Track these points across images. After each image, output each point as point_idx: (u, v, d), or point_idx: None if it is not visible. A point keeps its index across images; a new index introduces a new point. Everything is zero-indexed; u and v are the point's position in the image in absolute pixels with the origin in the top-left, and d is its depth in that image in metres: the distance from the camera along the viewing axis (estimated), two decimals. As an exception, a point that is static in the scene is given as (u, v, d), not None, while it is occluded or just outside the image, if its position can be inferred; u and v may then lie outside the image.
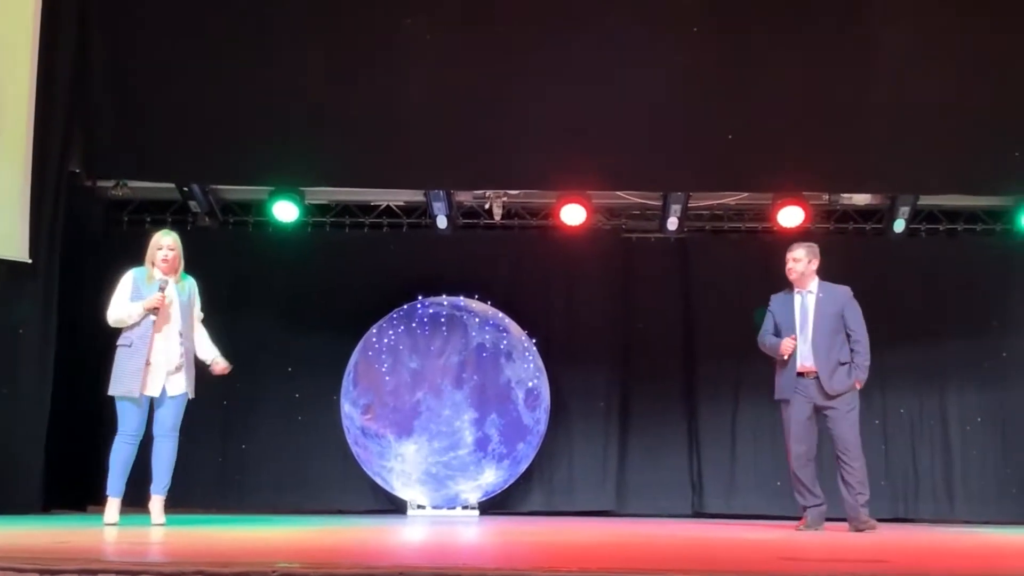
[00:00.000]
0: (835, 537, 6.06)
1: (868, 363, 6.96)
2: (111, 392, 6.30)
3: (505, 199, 9.30)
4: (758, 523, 7.82)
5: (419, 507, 8.51)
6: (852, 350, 6.95)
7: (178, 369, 6.37)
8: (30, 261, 7.70)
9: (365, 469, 8.58)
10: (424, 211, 9.28)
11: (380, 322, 8.67)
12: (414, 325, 8.61)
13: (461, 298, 8.79)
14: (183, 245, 6.54)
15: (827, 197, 9.17)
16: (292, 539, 5.26)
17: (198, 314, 6.61)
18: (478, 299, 8.81)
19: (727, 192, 9.08)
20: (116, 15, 8.20)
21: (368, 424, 8.49)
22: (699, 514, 8.77)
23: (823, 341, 6.95)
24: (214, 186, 9.07)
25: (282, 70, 8.11)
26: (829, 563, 4.31)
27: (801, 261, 7.10)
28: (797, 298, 7.12)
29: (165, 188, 9.01)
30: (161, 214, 9.23)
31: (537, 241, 9.33)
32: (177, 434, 6.41)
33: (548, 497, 8.89)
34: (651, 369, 9.01)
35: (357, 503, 8.74)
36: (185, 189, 8.91)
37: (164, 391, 6.33)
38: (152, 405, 6.37)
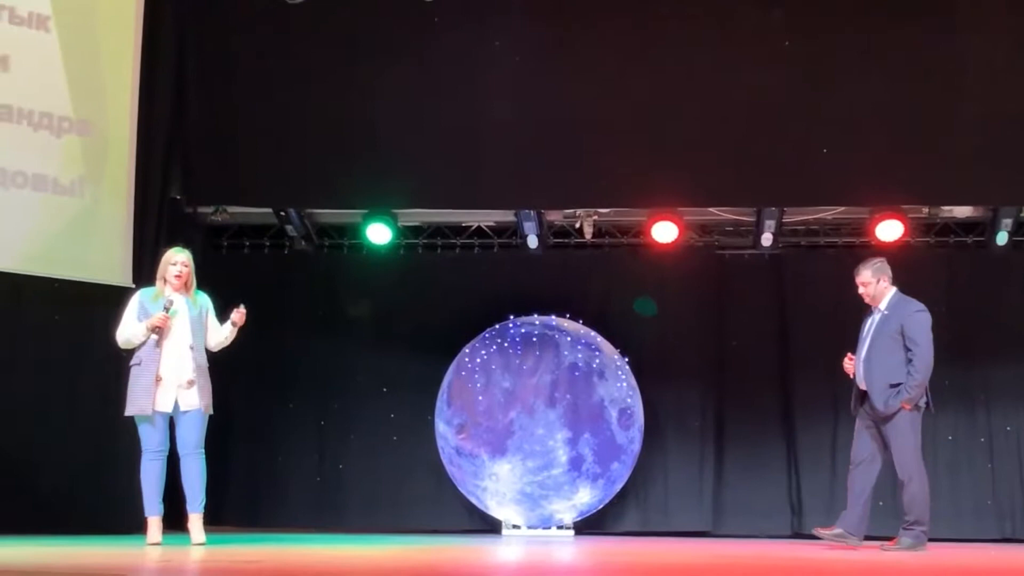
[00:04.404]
0: (935, 556, 5.88)
1: (920, 381, 6.60)
2: (126, 412, 6.29)
3: (596, 217, 9.28)
4: (861, 544, 7.63)
5: (514, 527, 8.51)
6: (908, 371, 6.65)
7: (190, 384, 6.26)
8: (133, 287, 7.90)
9: (459, 488, 8.62)
10: (515, 231, 9.32)
11: (472, 342, 8.71)
12: (506, 344, 8.64)
13: (553, 317, 8.79)
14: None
15: (926, 210, 8.97)
16: (388, 558, 5.30)
17: (214, 325, 6.51)
18: (570, 318, 8.80)
19: (823, 207, 8.94)
20: (212, 47, 8.46)
21: (462, 443, 8.53)
22: (799, 535, 8.59)
23: (874, 361, 6.77)
24: (310, 210, 9.24)
25: (373, 94, 8.27)
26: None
27: (869, 284, 6.87)
28: (871, 317, 6.96)
29: (263, 213, 9.19)
30: (259, 238, 9.40)
31: (628, 259, 9.30)
32: (202, 451, 6.31)
33: (643, 517, 8.81)
34: (747, 387, 8.89)
35: (452, 523, 8.78)
36: (282, 213, 9.07)
37: (177, 407, 6.26)
38: (172, 423, 6.32)
